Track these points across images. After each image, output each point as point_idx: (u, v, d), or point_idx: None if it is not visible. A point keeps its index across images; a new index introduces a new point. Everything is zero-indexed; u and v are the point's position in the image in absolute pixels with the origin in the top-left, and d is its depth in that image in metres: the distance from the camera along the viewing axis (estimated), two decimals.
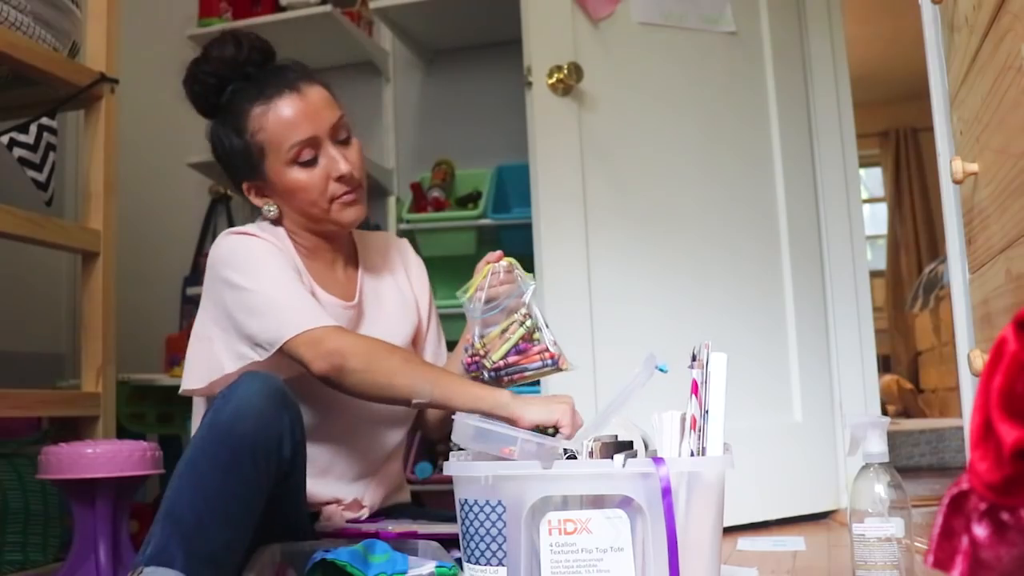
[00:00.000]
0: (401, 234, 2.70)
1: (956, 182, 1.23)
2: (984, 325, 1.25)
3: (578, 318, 2.16)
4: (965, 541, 0.57)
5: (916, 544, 1.29)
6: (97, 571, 1.61)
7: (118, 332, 2.07)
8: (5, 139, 1.84)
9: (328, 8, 2.68)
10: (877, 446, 1.30)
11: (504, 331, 1.35)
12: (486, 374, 1.36)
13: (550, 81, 2.20)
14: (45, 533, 2.02)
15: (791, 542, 1.98)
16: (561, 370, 1.36)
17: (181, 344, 1.98)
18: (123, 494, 1.69)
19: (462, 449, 1.20)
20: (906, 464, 3.58)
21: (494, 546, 1.10)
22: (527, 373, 1.36)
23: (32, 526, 2.00)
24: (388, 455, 1.56)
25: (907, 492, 1.28)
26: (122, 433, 2.06)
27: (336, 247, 1.55)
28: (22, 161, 1.85)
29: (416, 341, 1.62)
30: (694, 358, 1.19)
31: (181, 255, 3.06)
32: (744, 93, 2.43)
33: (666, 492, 1.07)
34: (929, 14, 1.45)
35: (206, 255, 1.51)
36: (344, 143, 1.47)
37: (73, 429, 1.97)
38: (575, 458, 1.16)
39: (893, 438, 3.67)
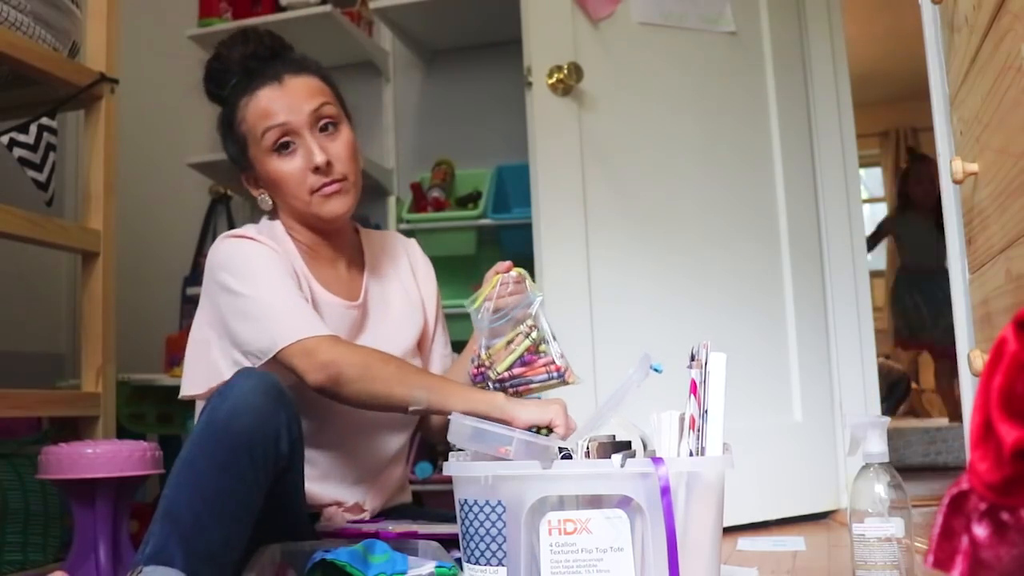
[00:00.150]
0: (401, 234, 2.70)
1: (956, 182, 1.23)
2: (984, 325, 1.25)
3: (578, 318, 2.16)
4: (965, 541, 0.57)
5: (916, 544, 1.29)
6: (97, 571, 1.61)
7: (118, 332, 2.07)
8: (5, 139, 1.84)
9: (328, 8, 2.69)
10: (877, 446, 1.30)
11: (510, 342, 1.34)
12: (491, 385, 1.35)
13: (550, 81, 2.20)
14: (45, 533, 2.02)
15: (791, 542, 1.98)
16: (567, 383, 1.34)
17: (181, 344, 1.98)
18: (123, 494, 1.69)
19: (462, 449, 1.20)
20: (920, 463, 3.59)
21: (494, 546, 1.10)
22: (532, 385, 1.34)
23: (32, 526, 2.00)
24: (389, 460, 1.55)
25: (907, 492, 1.28)
26: (122, 433, 2.06)
27: (337, 245, 1.54)
28: (22, 161, 1.85)
29: (422, 343, 1.61)
30: (693, 358, 1.19)
31: (181, 255, 3.06)
32: (744, 93, 2.43)
33: (665, 492, 1.07)
34: (929, 14, 1.45)
35: (206, 255, 1.51)
36: (329, 134, 1.46)
37: (73, 429, 1.97)
38: (570, 457, 1.16)
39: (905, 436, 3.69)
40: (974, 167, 1.19)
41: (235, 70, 1.49)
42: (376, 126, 2.96)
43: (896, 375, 5.50)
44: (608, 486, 1.10)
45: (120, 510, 1.68)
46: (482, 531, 1.10)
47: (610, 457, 1.10)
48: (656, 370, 1.16)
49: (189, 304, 2.93)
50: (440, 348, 1.62)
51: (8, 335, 2.88)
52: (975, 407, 0.57)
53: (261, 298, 1.36)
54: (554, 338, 1.34)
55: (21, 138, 1.85)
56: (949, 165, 1.23)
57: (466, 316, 1.42)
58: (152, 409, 2.71)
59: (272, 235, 1.50)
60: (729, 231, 2.35)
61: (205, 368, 1.43)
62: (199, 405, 1.51)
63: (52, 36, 1.93)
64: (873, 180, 7.59)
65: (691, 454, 1.15)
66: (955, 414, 4.13)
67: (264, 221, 1.56)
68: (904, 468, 2.44)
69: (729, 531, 1.93)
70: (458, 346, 1.61)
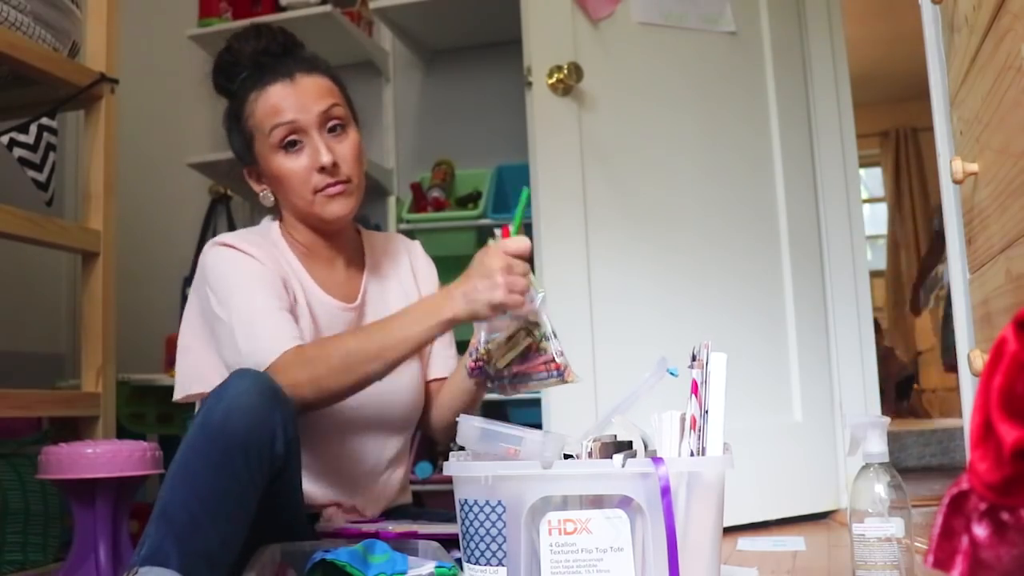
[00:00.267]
0: (400, 234, 2.70)
1: (956, 182, 1.23)
2: (984, 325, 1.25)
3: (578, 318, 2.16)
4: (965, 541, 0.57)
5: (916, 544, 1.29)
6: (97, 571, 1.61)
7: (118, 332, 2.07)
8: (5, 139, 1.84)
9: (328, 8, 2.69)
10: (877, 446, 1.30)
11: (510, 338, 1.33)
12: (490, 383, 1.35)
13: (550, 81, 2.20)
14: (45, 533, 2.02)
15: (791, 542, 1.98)
16: (566, 382, 1.34)
17: None
18: (123, 494, 1.69)
19: (462, 449, 1.20)
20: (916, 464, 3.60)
21: (494, 546, 1.10)
22: (531, 383, 1.34)
23: (32, 526, 2.00)
24: (387, 464, 1.54)
25: (907, 492, 1.28)
26: (122, 433, 2.06)
27: (336, 246, 1.54)
28: (22, 161, 1.85)
29: None
30: (694, 358, 1.19)
31: (181, 255, 3.06)
32: (744, 93, 2.43)
33: (665, 492, 1.07)
34: (929, 14, 1.45)
35: None
36: (336, 135, 1.46)
37: (73, 429, 1.97)
38: (571, 456, 1.16)
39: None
40: (974, 167, 1.19)
41: (245, 64, 1.49)
42: (376, 126, 2.96)
43: (904, 372, 5.53)
44: (608, 486, 1.10)
45: (120, 510, 1.68)
46: (482, 531, 1.10)
47: (611, 457, 1.10)
48: (672, 374, 1.16)
49: None
50: (442, 349, 1.60)
51: (8, 335, 2.89)
52: (975, 407, 0.57)
53: (232, 317, 1.38)
54: (555, 335, 1.33)
55: (21, 138, 1.85)
56: (949, 165, 1.23)
57: None
58: (152, 409, 2.71)
59: (266, 238, 1.50)
60: (729, 231, 2.35)
61: (195, 370, 1.44)
62: (199, 406, 1.51)
63: (52, 36, 1.93)
64: (873, 180, 7.59)
65: (692, 454, 1.15)
66: None
67: (264, 222, 1.56)
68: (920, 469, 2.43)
69: (729, 531, 1.93)
70: (461, 346, 1.61)
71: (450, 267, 2.67)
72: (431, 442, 2.51)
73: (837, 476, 2.40)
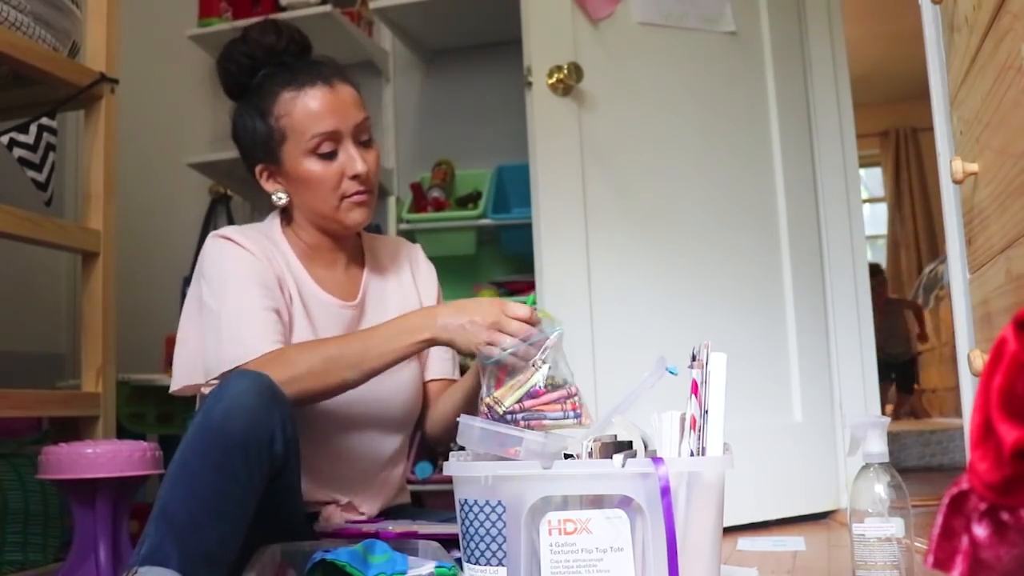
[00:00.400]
0: (401, 234, 2.71)
1: (956, 182, 1.23)
2: (984, 325, 1.25)
3: (578, 318, 2.16)
4: (965, 541, 0.57)
5: (916, 544, 1.29)
6: (97, 571, 1.61)
7: (118, 332, 2.06)
8: (5, 139, 1.84)
9: (328, 8, 2.69)
10: (877, 446, 1.30)
11: (518, 377, 1.27)
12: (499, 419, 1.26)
13: (550, 81, 2.20)
14: (45, 533, 2.02)
15: (791, 542, 1.97)
16: (582, 425, 1.27)
17: None
18: (123, 494, 1.69)
19: (462, 449, 1.20)
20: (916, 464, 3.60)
21: (494, 546, 1.10)
22: (546, 421, 1.25)
23: (32, 526, 2.00)
24: (386, 462, 1.54)
25: (907, 492, 1.28)
26: (122, 433, 2.06)
27: (339, 247, 1.55)
28: (22, 161, 1.85)
29: None
30: (694, 358, 1.19)
31: (181, 255, 3.06)
32: (744, 93, 2.43)
33: (665, 492, 1.07)
34: (929, 14, 1.45)
35: None
36: (365, 145, 1.49)
37: (73, 429, 1.97)
38: (571, 456, 1.16)
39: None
40: (974, 167, 1.19)
41: (261, 58, 1.49)
42: (376, 126, 2.94)
43: (905, 355, 5.45)
44: (608, 486, 1.10)
45: (120, 510, 1.68)
46: (482, 531, 1.10)
47: (611, 457, 1.10)
48: (672, 372, 1.16)
49: None
50: (440, 352, 1.61)
51: (8, 335, 2.89)
52: (975, 407, 0.57)
53: (219, 311, 1.40)
54: (572, 376, 1.27)
55: (21, 138, 1.85)
56: (949, 165, 1.23)
57: None
58: (152, 409, 2.71)
59: (267, 236, 1.51)
60: (729, 230, 2.35)
61: (191, 362, 1.45)
62: (199, 400, 1.52)
63: (52, 36, 1.93)
64: (873, 180, 7.60)
65: (692, 454, 1.15)
66: None
67: (268, 219, 1.56)
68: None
69: (729, 531, 1.93)
70: None
71: (450, 267, 2.69)
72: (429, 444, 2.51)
73: (837, 476, 2.40)
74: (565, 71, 2.20)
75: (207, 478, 1.17)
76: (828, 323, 2.50)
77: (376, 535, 1.32)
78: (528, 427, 1.23)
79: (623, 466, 1.09)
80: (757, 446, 2.23)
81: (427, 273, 1.66)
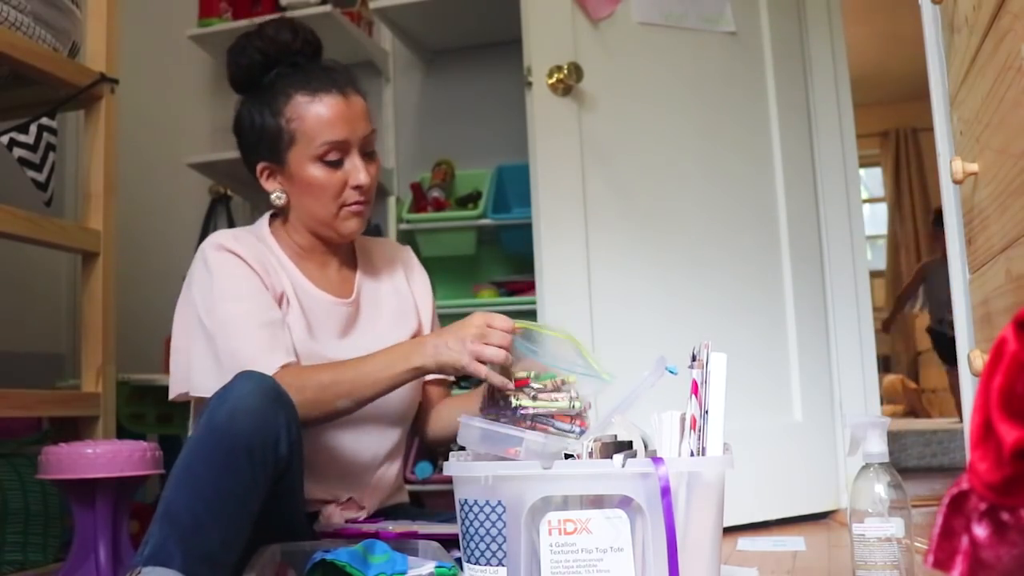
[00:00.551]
0: (401, 234, 2.71)
1: (956, 182, 1.23)
2: (984, 325, 1.25)
3: (578, 318, 2.16)
4: (965, 541, 0.57)
5: (916, 544, 1.29)
6: (97, 571, 1.61)
7: (118, 332, 2.07)
8: (5, 139, 1.84)
9: (328, 8, 2.69)
10: (877, 446, 1.30)
11: (556, 388, 1.26)
12: (503, 417, 1.26)
13: (550, 81, 2.20)
14: (45, 533, 2.02)
15: (791, 542, 1.98)
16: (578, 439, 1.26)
17: None
18: (123, 494, 1.69)
19: (462, 449, 1.20)
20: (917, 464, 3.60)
21: (494, 546, 1.10)
22: (551, 429, 1.25)
23: (32, 526, 2.00)
24: (383, 459, 1.55)
25: (907, 492, 1.28)
26: (122, 433, 2.06)
27: (331, 250, 1.57)
28: (22, 161, 1.85)
29: None
30: (694, 358, 1.19)
31: (181, 255, 3.05)
32: (744, 93, 2.43)
33: (665, 492, 1.07)
34: (929, 14, 1.45)
35: None
36: (369, 157, 1.51)
37: (73, 429, 1.97)
38: (571, 456, 1.16)
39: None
40: (974, 167, 1.19)
41: (275, 56, 1.49)
42: (376, 126, 2.95)
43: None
44: (608, 486, 1.10)
45: (120, 510, 1.68)
46: (482, 531, 1.10)
47: (611, 457, 1.10)
48: (671, 372, 1.17)
49: None
50: None
51: (8, 335, 2.88)
52: (975, 407, 0.57)
53: (214, 330, 1.40)
54: (590, 406, 1.28)
55: (21, 138, 1.85)
56: (949, 165, 1.22)
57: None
58: (152, 409, 2.70)
59: (257, 236, 1.52)
60: (729, 230, 2.35)
61: (186, 368, 1.45)
62: (194, 405, 1.52)
63: (52, 36, 1.93)
64: (873, 180, 7.60)
65: (692, 454, 1.15)
66: None
67: (259, 221, 1.57)
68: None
69: (729, 531, 1.93)
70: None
71: (450, 267, 2.69)
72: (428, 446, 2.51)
73: (837, 476, 2.40)
74: (565, 71, 2.20)
75: (211, 479, 1.17)
76: (828, 323, 2.50)
77: (376, 535, 1.32)
78: (532, 427, 1.24)
79: (623, 466, 1.09)
80: (757, 446, 2.23)
81: (420, 275, 1.68)
